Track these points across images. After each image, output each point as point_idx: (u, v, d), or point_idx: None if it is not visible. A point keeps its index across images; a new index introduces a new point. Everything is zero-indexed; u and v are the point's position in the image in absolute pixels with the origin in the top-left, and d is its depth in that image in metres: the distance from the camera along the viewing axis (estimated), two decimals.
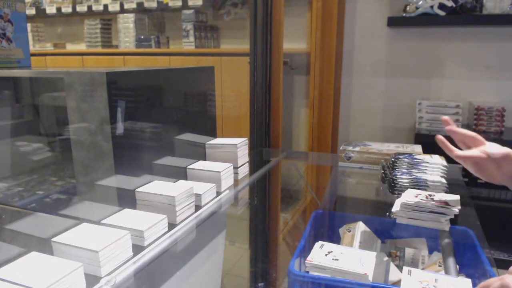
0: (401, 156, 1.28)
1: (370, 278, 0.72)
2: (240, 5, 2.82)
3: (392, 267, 0.94)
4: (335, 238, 1.04)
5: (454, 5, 2.08)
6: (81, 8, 3.16)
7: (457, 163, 0.88)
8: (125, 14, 3.01)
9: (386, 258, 0.96)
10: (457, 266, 0.85)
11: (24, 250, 0.68)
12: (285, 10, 2.07)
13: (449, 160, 1.09)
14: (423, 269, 0.89)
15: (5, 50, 1.23)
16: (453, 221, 0.93)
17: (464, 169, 0.92)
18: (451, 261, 0.84)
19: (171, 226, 0.88)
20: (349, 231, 0.99)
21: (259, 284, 1.16)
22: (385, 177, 1.25)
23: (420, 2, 2.14)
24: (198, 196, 0.99)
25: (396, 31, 2.38)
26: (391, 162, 1.26)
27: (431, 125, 2.22)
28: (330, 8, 2.30)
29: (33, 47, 3.36)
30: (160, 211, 0.88)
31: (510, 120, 2.17)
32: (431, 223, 0.93)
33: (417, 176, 1.14)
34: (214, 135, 1.35)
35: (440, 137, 0.87)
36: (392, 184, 1.15)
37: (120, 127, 0.87)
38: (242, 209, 1.23)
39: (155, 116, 1.01)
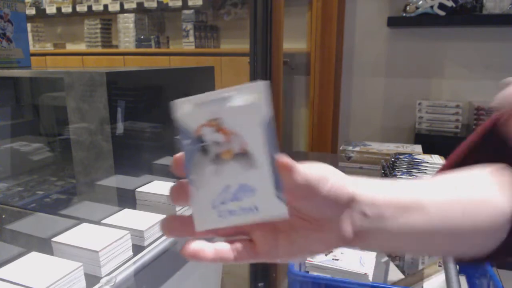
0: (401, 156, 1.28)
1: (370, 278, 0.72)
2: (240, 5, 2.82)
3: (392, 267, 0.94)
4: None
5: (454, 5, 2.08)
6: (81, 8, 3.16)
7: None
8: (125, 14, 3.01)
9: (386, 258, 0.96)
10: (457, 266, 0.85)
11: (24, 250, 0.68)
12: (285, 10, 2.07)
13: None
14: (423, 269, 0.89)
15: (5, 50, 1.23)
16: None
17: None
18: (451, 261, 0.84)
19: None
20: None
21: (259, 284, 1.16)
22: (385, 177, 1.25)
23: (420, 2, 2.14)
24: None
25: (396, 31, 2.38)
26: (391, 162, 1.26)
27: (431, 125, 2.22)
28: (330, 8, 2.30)
29: (33, 47, 3.36)
30: (160, 211, 0.88)
31: None
32: None
33: (417, 176, 1.14)
34: None
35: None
36: None
37: (120, 127, 0.87)
38: None
39: (155, 116, 1.01)
